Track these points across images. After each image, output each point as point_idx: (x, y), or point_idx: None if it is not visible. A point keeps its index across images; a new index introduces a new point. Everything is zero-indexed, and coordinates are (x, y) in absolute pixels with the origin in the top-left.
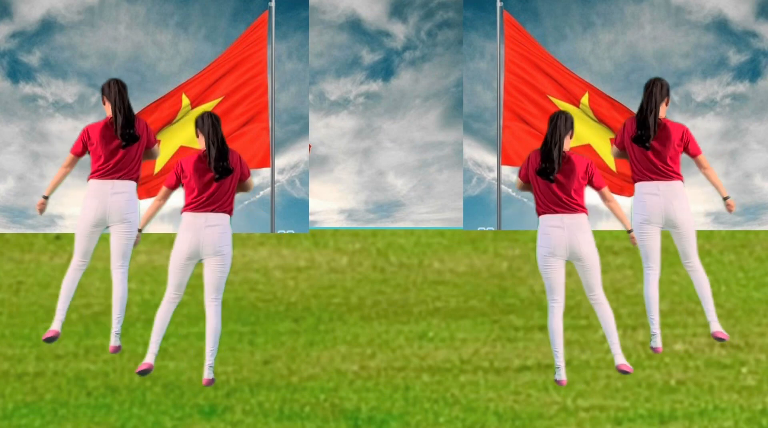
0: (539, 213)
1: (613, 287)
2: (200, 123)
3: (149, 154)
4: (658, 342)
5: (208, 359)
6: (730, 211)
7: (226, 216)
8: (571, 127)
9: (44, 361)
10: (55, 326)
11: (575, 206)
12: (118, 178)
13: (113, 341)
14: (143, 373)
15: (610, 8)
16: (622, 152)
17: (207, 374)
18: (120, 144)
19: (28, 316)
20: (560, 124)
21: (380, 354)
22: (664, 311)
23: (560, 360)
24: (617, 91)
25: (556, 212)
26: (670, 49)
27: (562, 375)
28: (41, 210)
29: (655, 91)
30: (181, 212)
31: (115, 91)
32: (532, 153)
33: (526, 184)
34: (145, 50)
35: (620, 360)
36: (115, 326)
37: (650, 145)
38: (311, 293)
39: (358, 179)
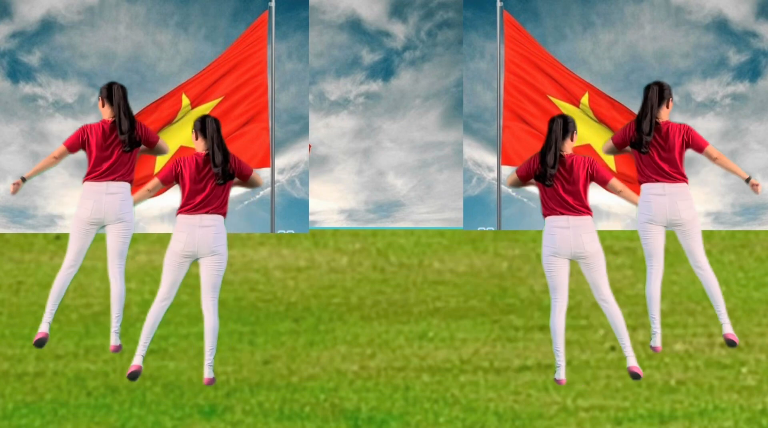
0: (545, 215)
1: (613, 287)
2: (199, 126)
3: (157, 150)
4: (657, 341)
5: (207, 357)
6: (756, 192)
7: (220, 217)
8: (572, 129)
9: (44, 361)
10: (44, 327)
11: (581, 208)
12: (112, 180)
13: (113, 340)
14: (133, 376)
15: (610, 8)
16: (615, 150)
17: (207, 373)
18: (122, 148)
19: (28, 316)
20: (556, 128)
21: (380, 354)
22: (664, 311)
23: (561, 359)
24: (617, 91)
25: (562, 213)
26: (670, 49)
27: (561, 374)
28: (15, 191)
29: (650, 95)
30: (177, 214)
31: (119, 96)
32: (536, 155)
33: (519, 181)
34: (145, 50)
35: (632, 362)
36: (114, 324)
37: (648, 149)
38: (311, 293)
39: (358, 179)
